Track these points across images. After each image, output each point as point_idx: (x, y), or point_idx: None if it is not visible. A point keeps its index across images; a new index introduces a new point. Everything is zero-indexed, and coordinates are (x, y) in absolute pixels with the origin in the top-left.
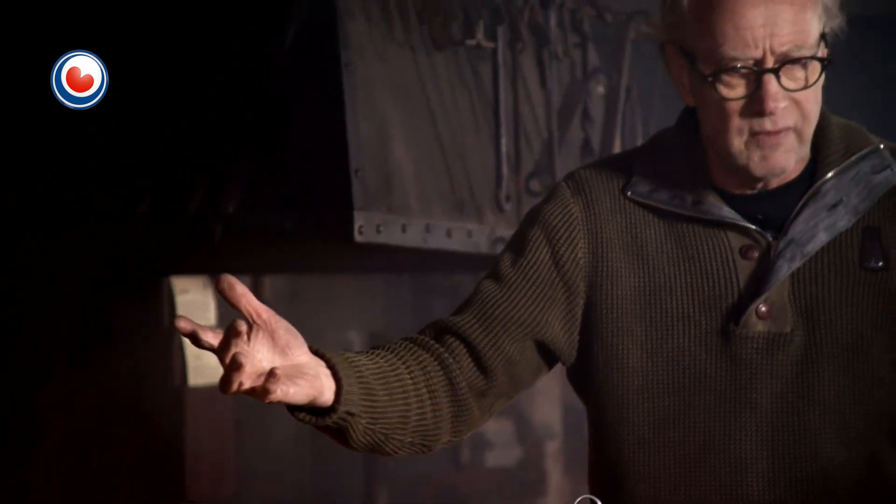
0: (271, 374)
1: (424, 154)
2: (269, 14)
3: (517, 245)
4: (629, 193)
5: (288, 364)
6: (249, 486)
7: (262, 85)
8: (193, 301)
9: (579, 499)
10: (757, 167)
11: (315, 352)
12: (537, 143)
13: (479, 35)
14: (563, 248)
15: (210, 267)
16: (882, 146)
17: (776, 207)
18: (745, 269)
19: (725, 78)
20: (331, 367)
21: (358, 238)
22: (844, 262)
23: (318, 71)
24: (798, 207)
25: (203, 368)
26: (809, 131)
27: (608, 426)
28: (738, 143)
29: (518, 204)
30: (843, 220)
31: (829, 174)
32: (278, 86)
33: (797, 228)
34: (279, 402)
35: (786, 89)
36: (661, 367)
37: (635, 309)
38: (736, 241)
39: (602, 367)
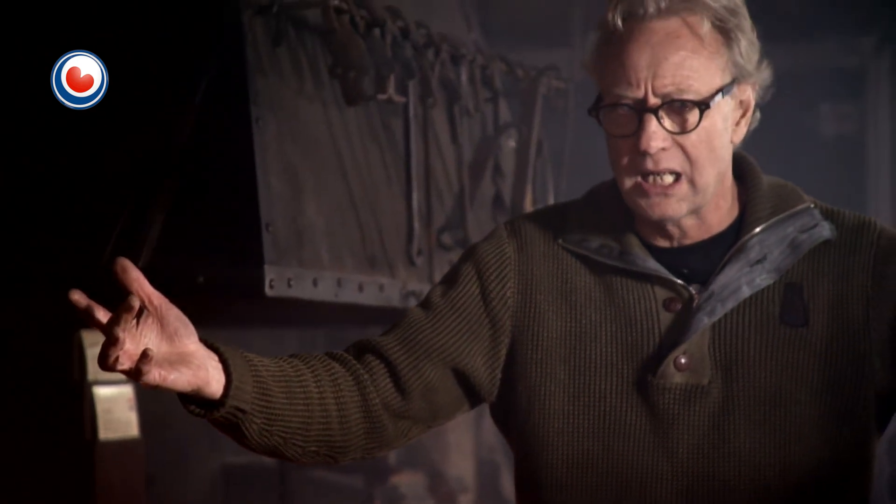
0: (144, 354)
1: (336, 208)
2: (179, 68)
3: (450, 278)
4: (561, 241)
5: (173, 351)
6: None
7: (174, 139)
8: None
9: None
10: (646, 212)
11: (209, 345)
12: (449, 198)
13: (391, 90)
14: (493, 285)
15: None
16: (813, 205)
17: (701, 261)
18: (667, 320)
19: (612, 115)
20: (223, 360)
21: (269, 292)
22: (765, 317)
23: (229, 125)
24: (722, 262)
25: (114, 422)
26: (703, 180)
27: (529, 467)
28: (628, 183)
29: (430, 258)
30: (765, 277)
31: (755, 230)
32: (190, 140)
33: (720, 282)
34: (160, 388)
35: (666, 130)
36: (583, 412)
37: (561, 352)
38: (660, 293)
39: (525, 407)
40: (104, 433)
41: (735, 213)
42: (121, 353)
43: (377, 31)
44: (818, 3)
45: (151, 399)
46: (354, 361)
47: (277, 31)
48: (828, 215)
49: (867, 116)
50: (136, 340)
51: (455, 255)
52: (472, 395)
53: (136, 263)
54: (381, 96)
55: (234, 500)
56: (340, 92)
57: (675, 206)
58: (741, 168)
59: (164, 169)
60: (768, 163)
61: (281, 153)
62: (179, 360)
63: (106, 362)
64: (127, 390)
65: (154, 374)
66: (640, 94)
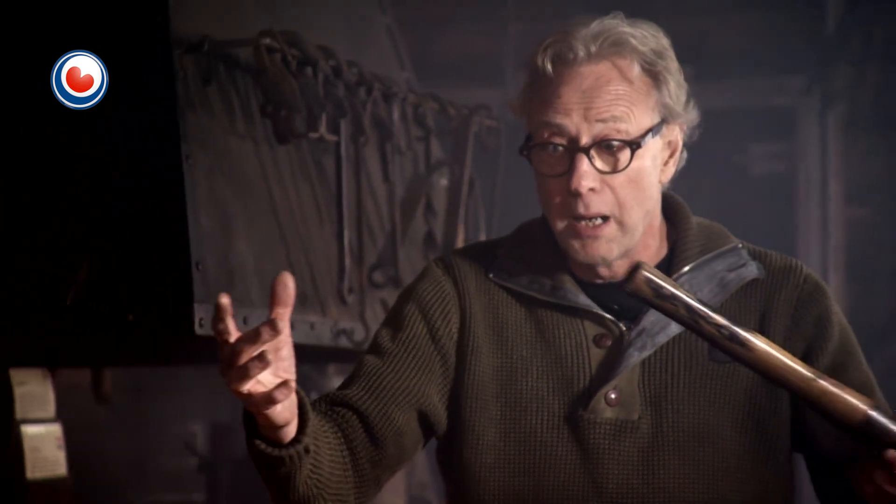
0: (284, 383)
1: (267, 246)
2: (109, 106)
3: (394, 321)
4: (492, 276)
5: (277, 383)
6: None
7: (104, 178)
8: (32, 392)
9: None
10: (578, 254)
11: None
12: (380, 236)
13: (323, 128)
14: (439, 322)
15: (50, 359)
16: (741, 245)
17: (631, 298)
18: (597, 356)
19: (543, 154)
20: (300, 400)
21: (199, 330)
22: (694, 353)
23: (159, 163)
24: None
25: (42, 461)
26: (631, 221)
27: (460, 501)
28: (560, 225)
29: (361, 296)
30: None
31: (684, 269)
32: (120, 178)
33: (649, 319)
34: (262, 414)
35: (598, 170)
36: (514, 447)
37: (493, 387)
38: (591, 329)
39: (459, 441)
40: (32, 472)
41: (664, 251)
42: (262, 373)
43: (309, 70)
44: (749, 45)
45: (79, 438)
46: (332, 414)
47: (208, 69)
48: (755, 256)
49: (797, 155)
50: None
51: (387, 293)
52: (430, 432)
53: (64, 301)
54: (313, 135)
55: None
56: (272, 130)
57: (605, 247)
58: (671, 208)
59: (96, 208)
60: (700, 200)
61: (211, 191)
62: None
63: (245, 380)
64: (55, 429)
65: (280, 402)
66: (572, 134)
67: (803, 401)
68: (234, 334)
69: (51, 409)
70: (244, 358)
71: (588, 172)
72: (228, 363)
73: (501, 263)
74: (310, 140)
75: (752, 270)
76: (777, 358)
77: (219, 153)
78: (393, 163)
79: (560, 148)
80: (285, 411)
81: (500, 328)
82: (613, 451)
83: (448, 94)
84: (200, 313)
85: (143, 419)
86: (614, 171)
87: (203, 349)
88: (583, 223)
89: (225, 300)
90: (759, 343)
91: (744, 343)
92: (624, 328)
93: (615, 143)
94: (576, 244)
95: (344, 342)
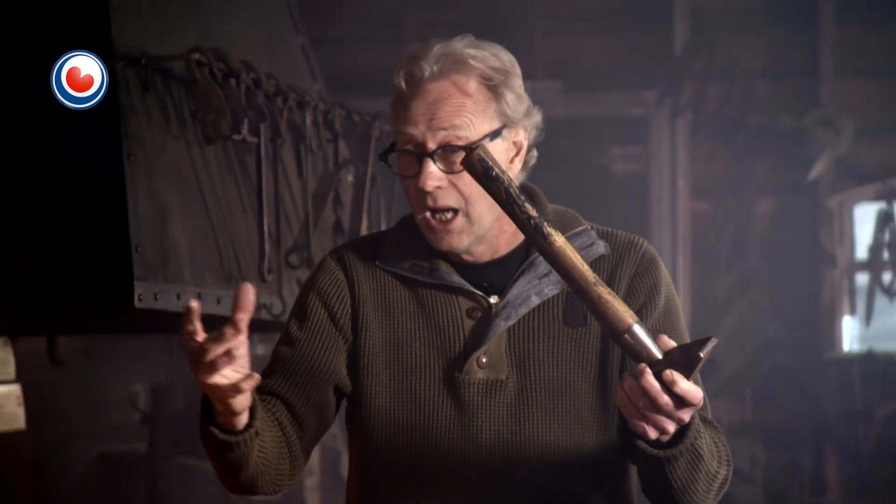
0: (250, 376)
1: (197, 232)
2: (60, 112)
3: (299, 312)
4: (379, 263)
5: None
6: None
7: (55, 174)
8: None
9: None
10: (434, 244)
11: None
12: (296, 223)
13: (245, 131)
14: (336, 306)
15: (10, 329)
16: (590, 227)
17: (498, 275)
18: (469, 326)
19: (401, 159)
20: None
21: (138, 304)
22: (551, 320)
23: (104, 160)
24: (515, 276)
25: (4, 417)
26: (477, 212)
27: (359, 454)
28: (419, 217)
29: (279, 275)
30: (550, 287)
31: None
32: (68, 174)
33: (513, 293)
34: (224, 402)
35: (442, 170)
36: (401, 408)
37: (383, 357)
38: (464, 303)
39: (357, 404)
40: None
41: (522, 236)
42: (226, 368)
43: (233, 81)
44: (610, 64)
45: (36, 396)
46: (266, 403)
47: (146, 79)
48: (602, 235)
49: (650, 157)
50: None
51: (301, 273)
52: (342, 399)
53: (22, 282)
54: (237, 137)
55: (110, 483)
56: (201, 132)
57: (456, 238)
58: (530, 198)
59: (50, 200)
60: (567, 195)
61: (149, 184)
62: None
63: (210, 373)
64: (15, 388)
65: (246, 388)
66: (419, 141)
67: (583, 300)
68: (201, 334)
69: (11, 372)
70: (211, 355)
71: (433, 173)
72: (197, 359)
73: (387, 252)
74: (234, 141)
75: (599, 248)
76: (569, 257)
77: (156, 152)
78: (306, 161)
79: (411, 153)
80: (245, 400)
81: (388, 306)
82: (485, 406)
83: (353, 103)
84: (139, 289)
85: (92, 380)
86: (454, 171)
87: (142, 320)
88: (435, 218)
89: (194, 304)
90: (559, 239)
91: (546, 236)
92: (492, 301)
93: (454, 147)
94: (431, 236)
95: (264, 314)
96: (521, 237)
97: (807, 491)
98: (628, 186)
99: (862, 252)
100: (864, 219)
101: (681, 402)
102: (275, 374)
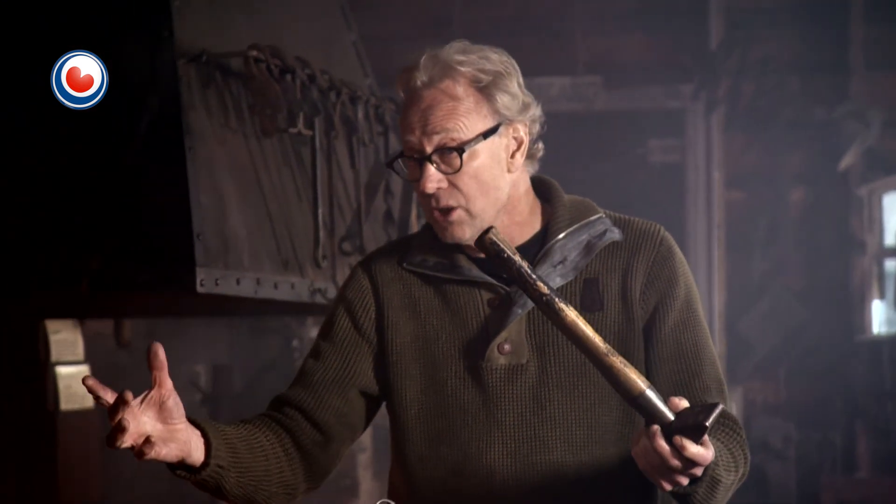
0: (147, 440)
1: (255, 221)
2: (127, 106)
3: (327, 324)
4: (405, 265)
5: (165, 429)
6: (116, 490)
7: (122, 165)
8: (65, 339)
9: (379, 502)
10: (443, 238)
11: (191, 421)
12: (348, 212)
13: (300, 125)
14: (359, 314)
15: (80, 312)
16: (604, 215)
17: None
18: (490, 316)
19: (406, 164)
20: (202, 432)
21: (200, 289)
22: (569, 305)
23: (167, 153)
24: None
25: (73, 396)
26: (477, 208)
27: (397, 444)
28: (429, 216)
29: (332, 261)
30: (567, 274)
31: (559, 237)
32: (135, 166)
33: None
34: (154, 460)
35: (442, 173)
36: (432, 398)
37: (412, 353)
38: (485, 294)
39: (391, 398)
40: (65, 405)
41: (538, 226)
42: (126, 435)
43: (289, 77)
44: (648, 59)
45: (106, 375)
46: (280, 415)
47: (206, 75)
48: (617, 222)
49: (686, 149)
50: (137, 419)
51: (353, 259)
52: (376, 400)
53: (90, 268)
54: (293, 130)
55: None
56: (259, 126)
57: (458, 229)
58: (546, 189)
59: (117, 189)
60: (608, 185)
61: (210, 176)
62: (170, 437)
63: (113, 444)
64: (84, 369)
65: (151, 453)
66: (417, 147)
67: (597, 369)
68: (110, 402)
69: (80, 353)
70: (116, 418)
71: (432, 175)
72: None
73: (413, 253)
74: (290, 134)
75: (613, 235)
76: (581, 329)
77: (216, 145)
78: (358, 153)
79: (413, 159)
80: (171, 453)
81: (414, 305)
82: (508, 390)
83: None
84: (201, 275)
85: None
86: (455, 171)
87: (204, 304)
88: (437, 213)
89: (91, 382)
90: (570, 313)
91: (558, 311)
92: (510, 290)
93: (449, 149)
94: (438, 231)
95: (319, 299)
96: (535, 227)
97: (838, 467)
98: (665, 177)
99: (891, 239)
100: (893, 207)
101: (691, 463)
102: (296, 386)
